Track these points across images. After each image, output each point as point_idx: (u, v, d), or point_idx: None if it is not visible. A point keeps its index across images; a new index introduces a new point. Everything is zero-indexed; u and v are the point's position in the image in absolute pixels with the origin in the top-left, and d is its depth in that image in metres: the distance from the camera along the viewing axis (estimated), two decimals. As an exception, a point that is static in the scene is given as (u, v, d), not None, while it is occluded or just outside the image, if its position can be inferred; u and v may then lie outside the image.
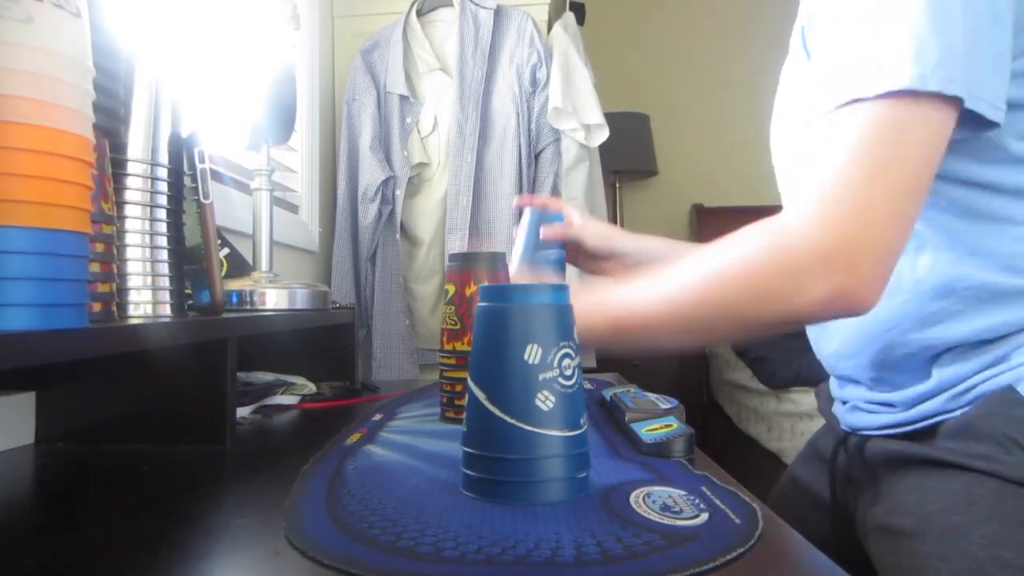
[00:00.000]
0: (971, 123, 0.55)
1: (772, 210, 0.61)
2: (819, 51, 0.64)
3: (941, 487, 0.61)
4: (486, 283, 0.76)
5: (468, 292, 0.78)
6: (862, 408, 0.74)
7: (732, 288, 0.59)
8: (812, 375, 2.12)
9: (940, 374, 0.65)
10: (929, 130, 0.53)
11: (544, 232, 0.93)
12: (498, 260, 0.80)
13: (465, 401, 0.49)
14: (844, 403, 0.78)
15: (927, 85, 0.52)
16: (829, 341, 0.75)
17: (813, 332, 0.79)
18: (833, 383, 0.82)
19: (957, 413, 0.63)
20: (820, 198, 0.55)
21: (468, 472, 0.51)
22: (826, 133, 0.57)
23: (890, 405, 0.70)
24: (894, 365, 0.68)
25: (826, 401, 0.85)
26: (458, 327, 0.79)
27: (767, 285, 0.57)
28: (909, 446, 0.66)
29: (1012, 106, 0.56)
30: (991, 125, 0.55)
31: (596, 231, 0.96)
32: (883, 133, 0.54)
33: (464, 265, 0.79)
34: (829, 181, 0.55)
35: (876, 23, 0.55)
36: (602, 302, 0.67)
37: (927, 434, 0.65)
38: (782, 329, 0.60)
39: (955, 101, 0.53)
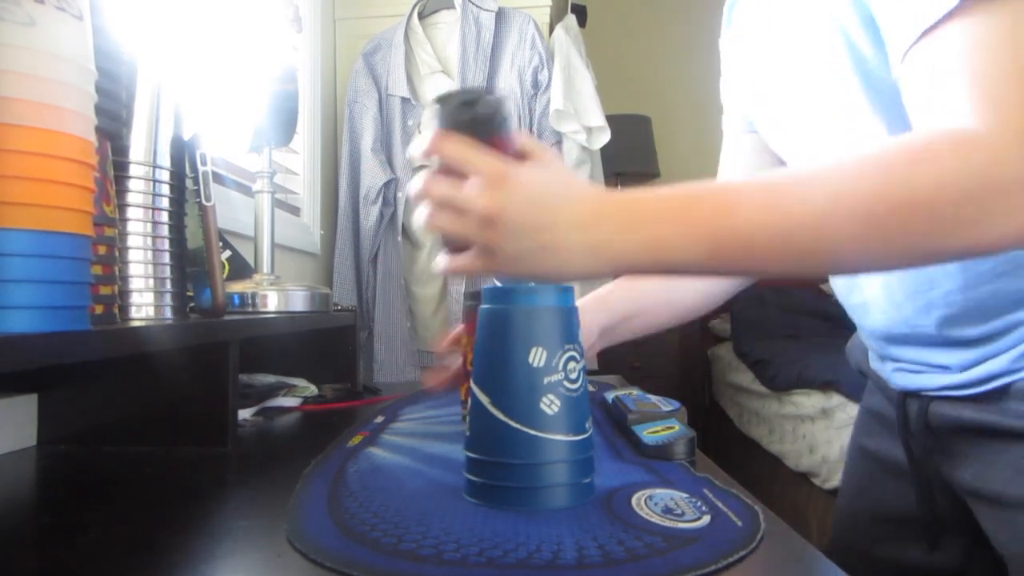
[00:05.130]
0: None
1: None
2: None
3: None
4: None
5: None
6: (909, 370, 0.70)
7: (913, 219, 0.47)
8: (814, 377, 2.12)
9: (1004, 322, 0.60)
10: None
11: None
12: None
13: None
14: (895, 361, 0.72)
15: None
16: (873, 315, 0.70)
17: (853, 301, 0.73)
18: (873, 343, 0.76)
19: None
20: (1001, 100, 0.46)
21: (471, 477, 0.51)
22: (944, 47, 0.49)
23: (943, 367, 0.66)
24: (961, 318, 0.62)
25: (861, 354, 0.81)
26: None
27: (960, 213, 0.46)
28: (980, 413, 0.63)
29: None
30: None
31: None
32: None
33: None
34: (999, 80, 0.47)
35: None
36: (685, 212, 0.50)
37: (996, 397, 0.62)
38: (957, 260, 0.52)
39: None
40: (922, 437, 0.71)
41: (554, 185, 0.51)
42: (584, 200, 0.51)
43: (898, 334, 0.69)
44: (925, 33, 0.50)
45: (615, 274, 0.56)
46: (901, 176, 0.48)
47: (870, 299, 0.70)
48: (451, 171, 0.51)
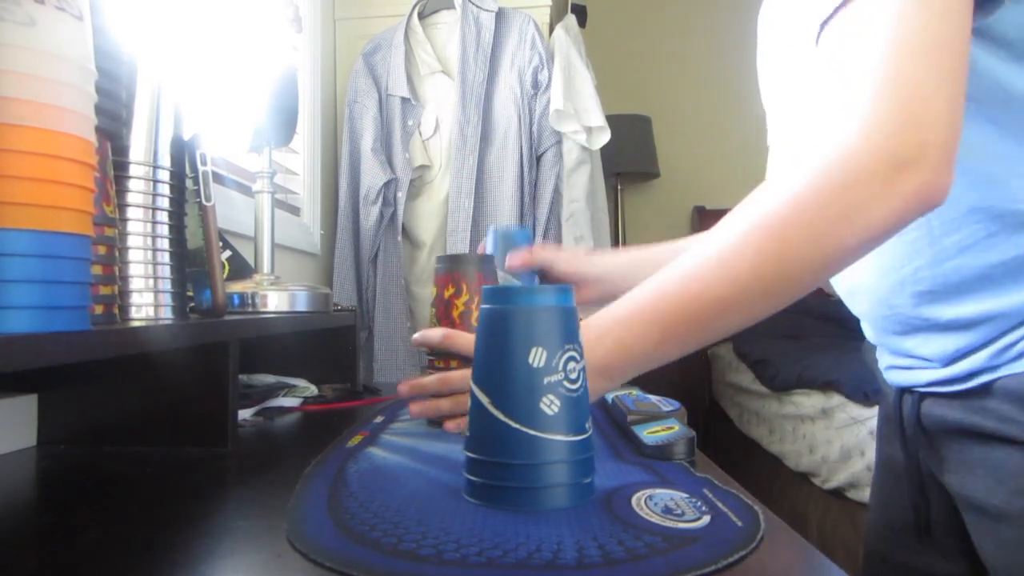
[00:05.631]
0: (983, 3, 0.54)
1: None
2: None
3: (1011, 465, 0.60)
4: (465, 285, 0.79)
5: (446, 294, 0.79)
6: (901, 366, 0.71)
7: (801, 222, 0.53)
8: (814, 377, 2.12)
9: (977, 307, 0.61)
10: (958, 3, 0.52)
11: (509, 261, 0.88)
12: (485, 262, 0.81)
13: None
14: (890, 355, 0.74)
15: None
16: (859, 298, 0.72)
17: (843, 287, 0.75)
18: (866, 333, 0.78)
19: (1006, 372, 0.60)
20: (869, 98, 0.51)
21: (471, 477, 0.51)
22: (846, 33, 0.55)
23: (927, 360, 0.67)
24: (930, 295, 0.64)
25: (873, 355, 0.81)
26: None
27: (840, 206, 0.52)
28: (965, 413, 0.64)
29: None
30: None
31: (567, 255, 0.88)
32: (917, 13, 0.51)
33: (446, 267, 0.81)
34: (872, 78, 0.52)
35: None
36: (633, 312, 0.60)
37: (980, 394, 0.63)
38: (863, 253, 0.55)
39: None
40: (916, 438, 0.71)
41: None
42: None
43: (880, 317, 0.70)
44: (835, 12, 0.55)
45: (613, 383, 0.62)
46: (762, 204, 0.55)
47: (855, 283, 0.72)
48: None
